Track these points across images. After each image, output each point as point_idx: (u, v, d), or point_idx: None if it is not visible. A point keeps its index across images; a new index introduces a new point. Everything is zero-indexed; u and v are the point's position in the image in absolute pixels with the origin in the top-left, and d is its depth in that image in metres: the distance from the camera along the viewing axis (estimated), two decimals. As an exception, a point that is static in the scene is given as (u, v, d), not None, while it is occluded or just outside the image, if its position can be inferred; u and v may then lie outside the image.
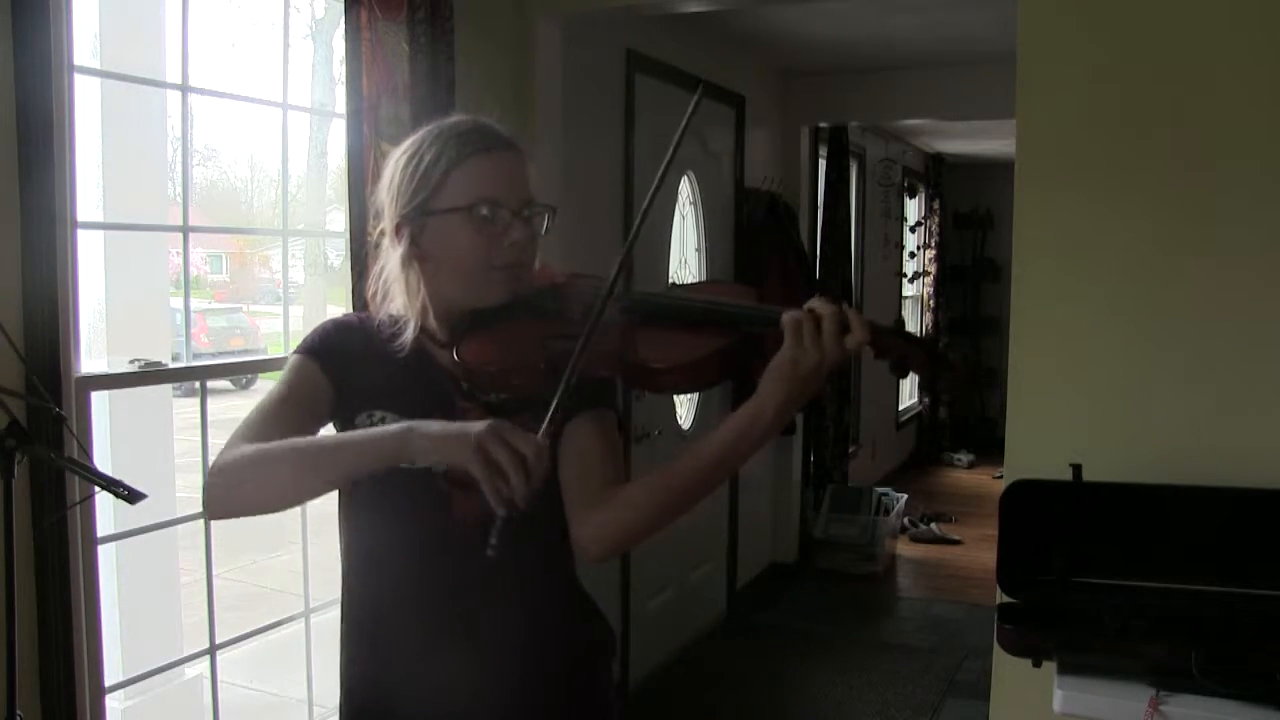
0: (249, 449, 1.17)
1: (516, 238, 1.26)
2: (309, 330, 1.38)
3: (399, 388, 1.30)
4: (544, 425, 1.10)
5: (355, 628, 1.38)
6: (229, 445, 1.21)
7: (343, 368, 1.30)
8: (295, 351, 1.33)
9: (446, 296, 1.30)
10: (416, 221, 1.27)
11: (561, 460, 1.28)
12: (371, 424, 1.29)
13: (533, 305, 1.28)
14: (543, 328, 1.23)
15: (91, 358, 2.23)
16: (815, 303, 1.13)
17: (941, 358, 1.14)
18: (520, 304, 1.28)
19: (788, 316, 1.12)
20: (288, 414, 1.25)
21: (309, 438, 1.21)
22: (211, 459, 1.21)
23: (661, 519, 1.23)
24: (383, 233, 1.33)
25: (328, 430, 1.32)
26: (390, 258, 1.31)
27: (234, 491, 1.17)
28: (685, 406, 4.31)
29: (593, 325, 1.14)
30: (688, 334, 1.20)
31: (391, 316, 1.33)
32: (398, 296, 1.31)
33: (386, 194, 1.31)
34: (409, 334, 1.31)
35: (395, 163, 1.31)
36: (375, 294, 1.35)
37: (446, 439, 1.10)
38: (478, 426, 1.09)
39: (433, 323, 1.32)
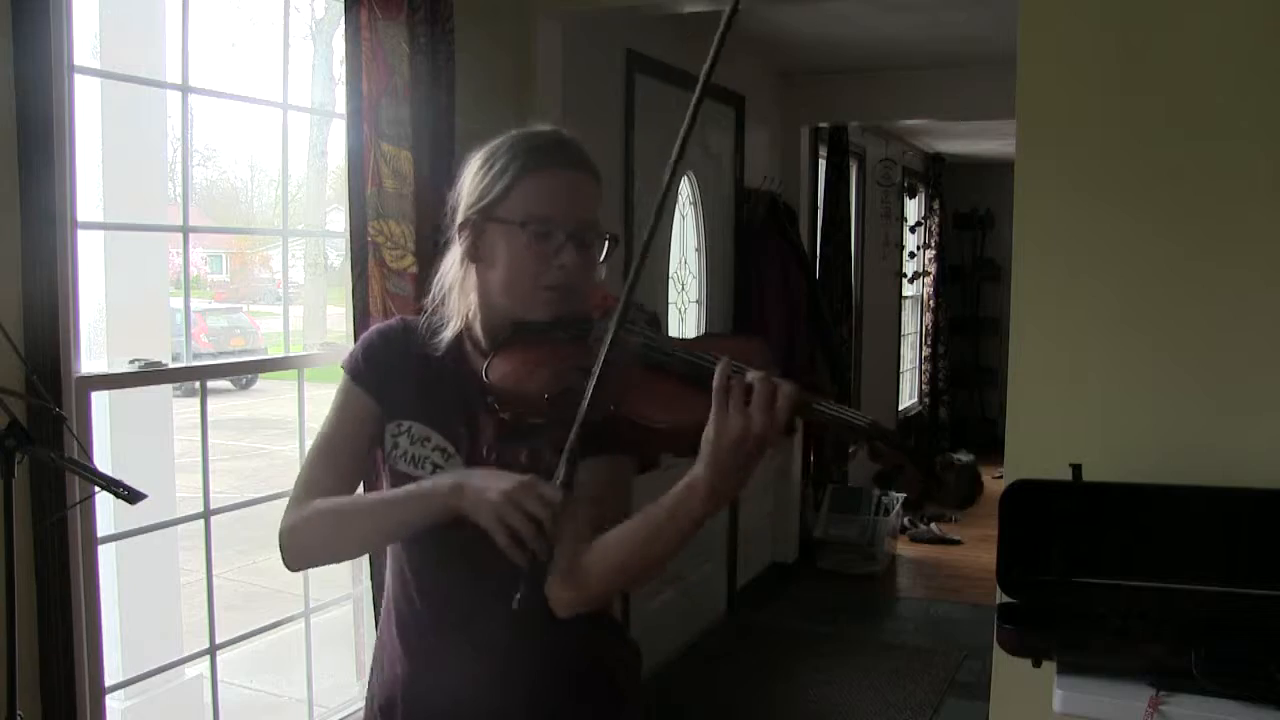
0: (319, 506, 1.26)
1: (566, 261, 1.24)
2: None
3: (429, 397, 1.32)
4: (559, 471, 1.09)
5: (385, 633, 1.40)
6: (296, 498, 1.29)
7: (383, 382, 1.33)
8: (343, 368, 1.37)
9: (494, 303, 1.30)
10: (478, 225, 1.28)
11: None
12: (399, 434, 1.31)
13: (568, 331, 1.25)
14: (566, 356, 1.20)
15: (91, 358, 2.23)
16: (751, 374, 1.05)
17: (903, 449, 1.02)
18: (560, 326, 1.26)
19: (716, 380, 1.04)
20: (341, 449, 1.32)
21: (373, 496, 1.32)
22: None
23: (614, 585, 1.21)
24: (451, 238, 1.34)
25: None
26: (452, 256, 1.33)
27: (308, 549, 1.29)
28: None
29: (597, 373, 1.09)
30: (692, 393, 1.10)
31: (430, 324, 1.34)
32: (451, 296, 1.33)
33: (459, 192, 1.32)
34: (448, 333, 1.32)
35: (471, 164, 1.32)
36: (433, 296, 1.35)
37: (479, 502, 1.13)
38: (495, 492, 1.10)
39: (479, 329, 1.32)
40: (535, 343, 1.25)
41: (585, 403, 1.09)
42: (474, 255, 1.29)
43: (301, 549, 1.29)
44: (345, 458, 1.32)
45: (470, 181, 1.30)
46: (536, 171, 1.26)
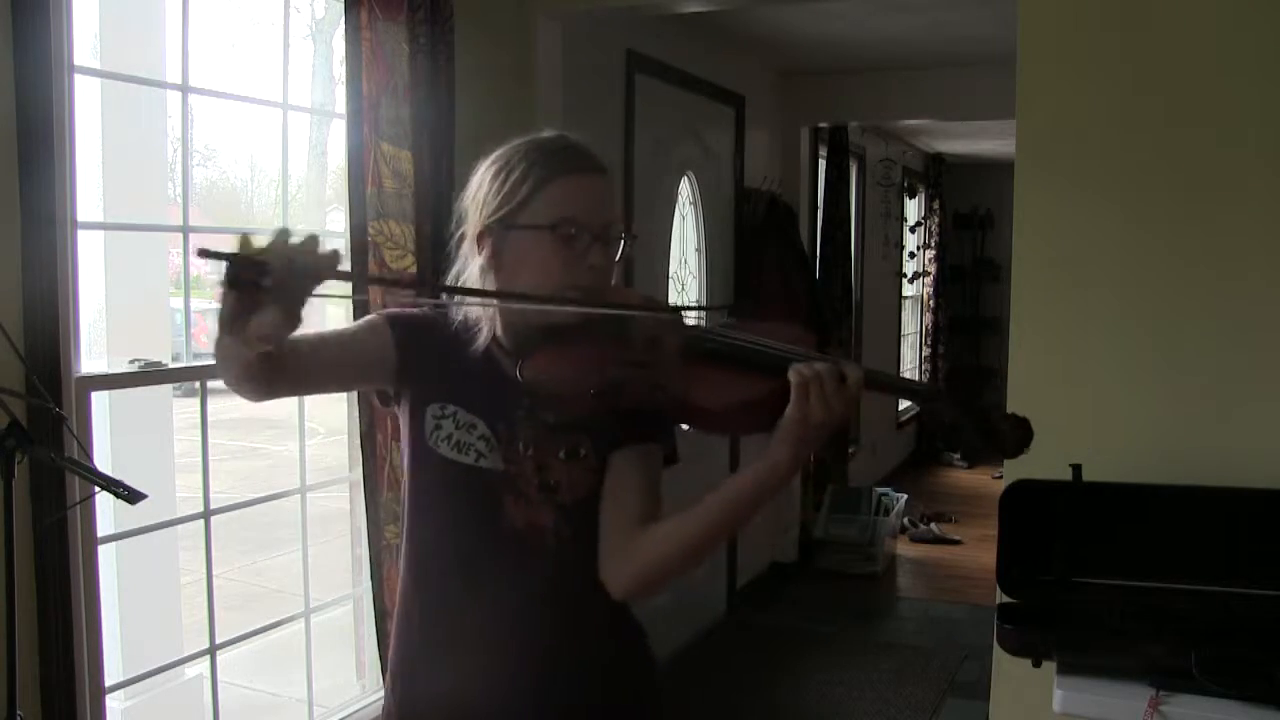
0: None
1: (596, 261, 1.27)
2: None
3: (472, 386, 1.33)
4: None
5: (405, 619, 1.40)
6: None
7: (414, 346, 1.33)
8: (379, 314, 1.36)
9: (520, 311, 1.30)
10: (498, 233, 1.29)
11: (604, 492, 1.30)
12: (442, 417, 1.32)
13: (600, 328, 1.27)
14: (606, 352, 1.22)
15: (91, 358, 2.23)
16: (819, 365, 1.13)
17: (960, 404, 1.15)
18: (589, 325, 1.27)
19: (794, 376, 1.12)
20: (333, 335, 1.32)
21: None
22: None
23: (680, 564, 1.26)
24: (463, 237, 1.34)
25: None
26: (470, 265, 1.33)
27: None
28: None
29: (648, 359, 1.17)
30: (741, 377, 1.18)
31: (466, 320, 1.35)
32: (473, 308, 1.33)
33: (471, 201, 1.33)
34: (481, 341, 1.33)
35: (484, 171, 1.32)
36: (452, 309, 1.36)
37: None
38: None
39: (500, 332, 1.33)
40: (571, 342, 1.26)
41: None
42: (496, 265, 1.30)
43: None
44: (329, 343, 1.30)
45: (484, 190, 1.31)
46: (559, 177, 1.28)
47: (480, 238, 1.30)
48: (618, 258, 1.32)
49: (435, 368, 1.33)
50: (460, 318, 1.35)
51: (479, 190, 1.32)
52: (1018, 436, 1.13)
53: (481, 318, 1.33)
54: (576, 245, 1.26)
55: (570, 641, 1.33)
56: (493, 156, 1.33)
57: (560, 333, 1.27)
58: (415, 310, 1.39)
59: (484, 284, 1.32)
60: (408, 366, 1.32)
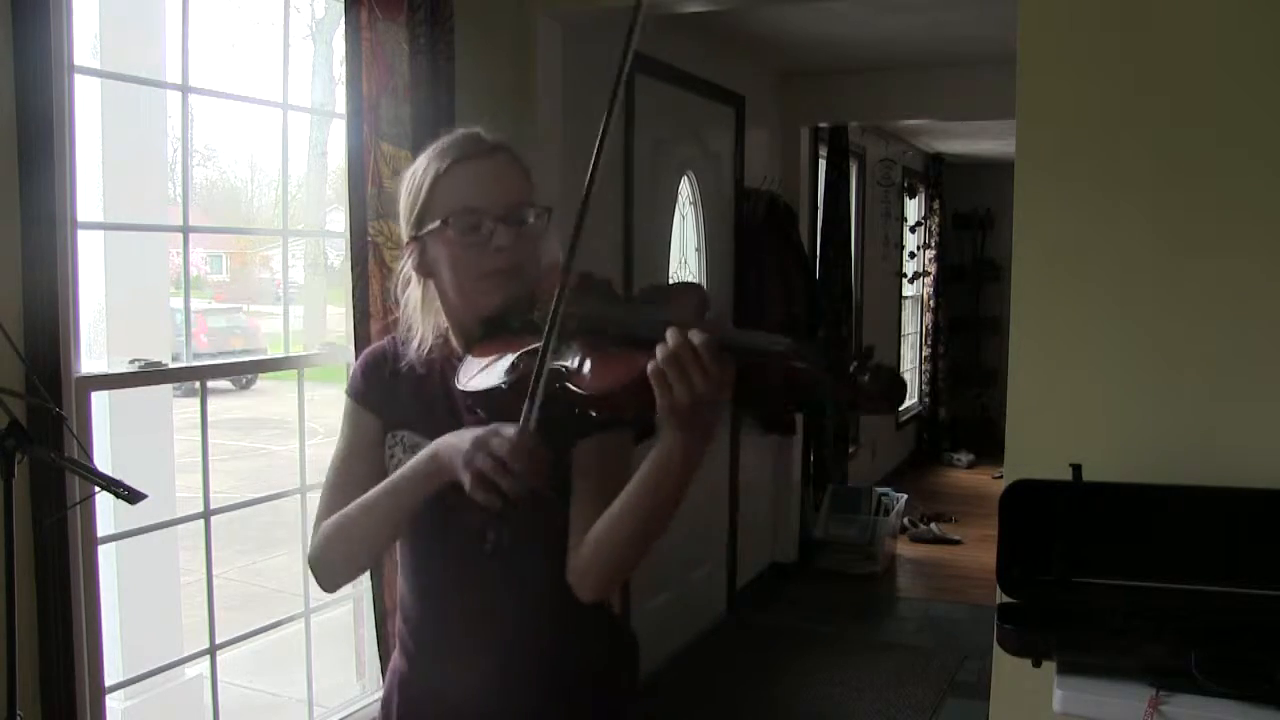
0: (327, 527, 1.31)
1: (501, 243, 1.25)
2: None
3: (420, 407, 1.34)
4: (524, 411, 1.10)
5: (402, 625, 1.42)
6: (316, 523, 1.34)
7: (382, 399, 1.36)
8: (346, 393, 1.41)
9: (453, 310, 1.31)
10: (417, 240, 1.30)
11: (572, 487, 1.28)
12: (394, 445, 1.34)
13: (512, 317, 1.25)
14: (523, 342, 1.18)
15: (91, 358, 2.23)
16: (671, 339, 1.01)
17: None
18: (516, 314, 1.25)
19: (650, 369, 1.01)
20: (355, 469, 1.35)
21: (368, 494, 1.28)
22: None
23: (624, 560, 1.21)
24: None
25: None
26: (410, 278, 1.35)
27: (333, 569, 1.34)
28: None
29: (544, 351, 1.09)
30: (628, 355, 1.07)
31: (410, 338, 1.37)
32: (418, 316, 1.35)
33: (400, 220, 1.35)
34: (413, 348, 1.34)
35: (400, 189, 1.34)
36: (402, 320, 1.38)
37: (452, 457, 1.15)
38: (464, 442, 1.13)
39: (453, 338, 1.34)
40: (494, 336, 1.25)
41: (533, 382, 1.10)
42: (423, 270, 1.31)
43: (327, 567, 1.34)
44: (362, 472, 1.33)
45: (402, 202, 1.33)
46: (450, 168, 1.27)
47: (407, 249, 1.32)
48: (544, 231, 1.30)
49: (389, 400, 1.36)
50: (402, 338, 1.37)
51: (399, 207, 1.34)
52: (882, 389, 0.96)
53: (414, 325, 1.34)
54: (480, 231, 1.25)
55: (552, 645, 1.33)
56: (407, 170, 1.35)
57: (496, 326, 1.26)
58: (365, 357, 1.42)
59: (421, 293, 1.33)
60: (385, 418, 1.36)
